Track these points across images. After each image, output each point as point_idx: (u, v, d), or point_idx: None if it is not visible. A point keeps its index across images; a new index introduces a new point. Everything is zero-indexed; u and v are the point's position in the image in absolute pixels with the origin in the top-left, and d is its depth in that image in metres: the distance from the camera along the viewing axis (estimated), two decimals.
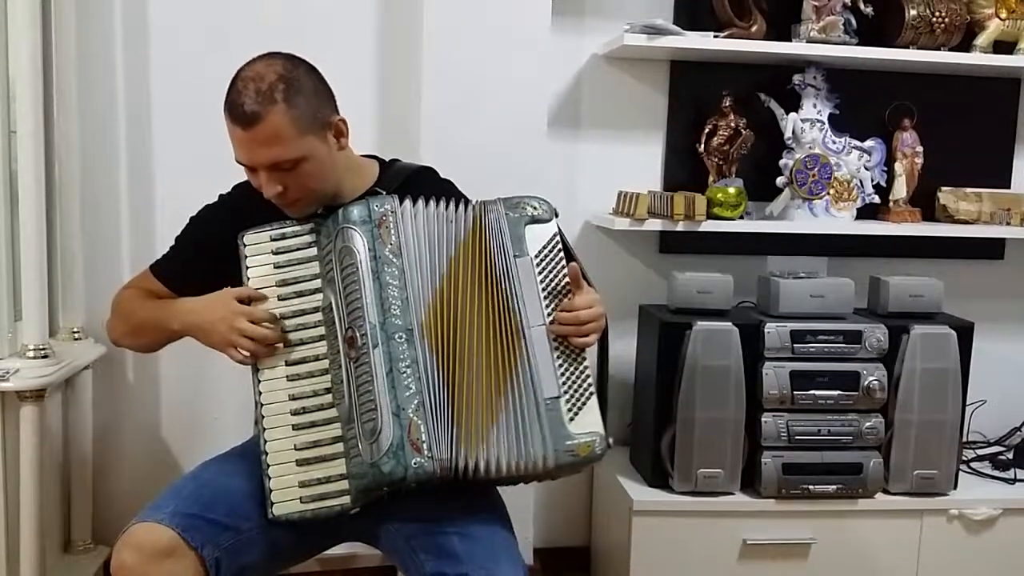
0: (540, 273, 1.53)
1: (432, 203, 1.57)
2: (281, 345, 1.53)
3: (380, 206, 1.53)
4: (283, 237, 1.57)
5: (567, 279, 1.54)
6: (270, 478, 1.49)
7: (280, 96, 1.47)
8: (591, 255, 2.44)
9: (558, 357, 1.50)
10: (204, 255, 1.67)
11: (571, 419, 1.47)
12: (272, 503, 1.48)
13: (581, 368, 1.51)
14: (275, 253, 1.57)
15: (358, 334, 1.46)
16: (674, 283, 2.30)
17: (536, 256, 1.54)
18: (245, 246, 1.57)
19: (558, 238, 1.57)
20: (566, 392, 1.48)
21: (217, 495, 1.49)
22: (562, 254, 1.57)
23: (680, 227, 2.33)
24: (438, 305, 1.51)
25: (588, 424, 1.47)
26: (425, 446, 1.42)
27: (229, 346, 1.53)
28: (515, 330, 1.50)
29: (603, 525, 2.54)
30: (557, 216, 1.60)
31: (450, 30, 2.21)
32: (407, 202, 1.55)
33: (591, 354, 1.56)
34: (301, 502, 1.48)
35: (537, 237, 1.55)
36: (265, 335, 1.51)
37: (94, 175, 2.28)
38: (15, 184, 1.95)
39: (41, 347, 1.95)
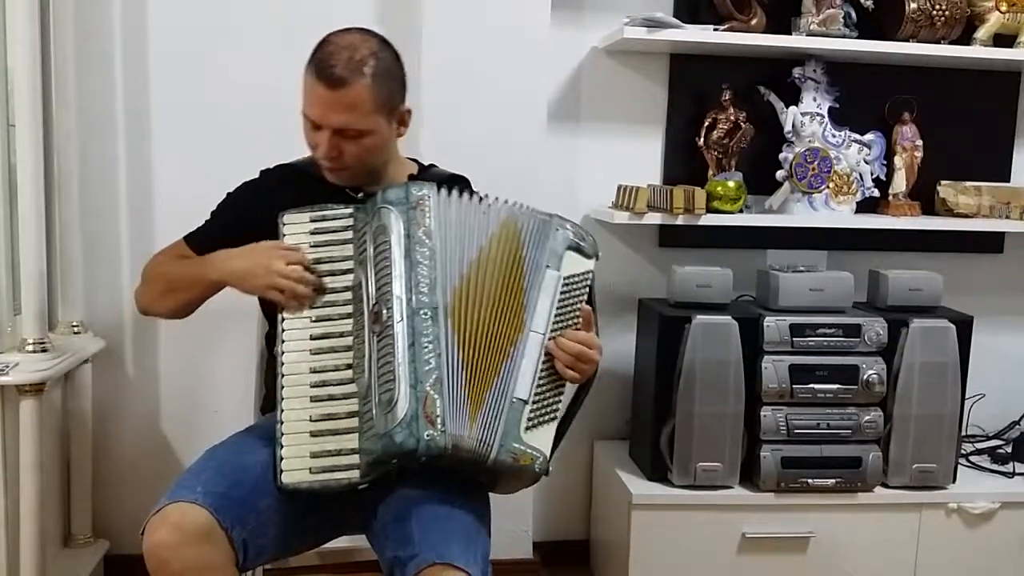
0: (561, 294, 1.57)
1: (467, 195, 1.61)
2: (310, 308, 1.55)
3: (418, 191, 1.57)
4: (323, 219, 1.61)
5: (579, 315, 1.58)
6: (282, 446, 1.49)
7: (369, 71, 1.55)
8: None
9: (542, 370, 1.53)
10: (240, 229, 1.69)
11: (526, 428, 1.50)
12: (282, 470, 1.48)
13: (556, 392, 1.55)
14: (312, 234, 1.60)
15: (384, 308, 1.48)
16: (673, 277, 2.30)
17: (566, 278, 1.58)
18: (284, 224, 1.60)
19: (591, 277, 1.61)
20: (534, 403, 1.51)
21: (236, 472, 1.48)
22: (587, 292, 1.61)
23: (679, 221, 2.33)
24: (463, 290, 1.53)
25: (538, 441, 1.50)
26: (439, 420, 1.43)
27: (269, 287, 1.54)
28: (517, 326, 1.53)
29: (602, 519, 2.54)
30: (598, 259, 1.64)
31: (450, 23, 2.21)
32: (443, 190, 1.59)
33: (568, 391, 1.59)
34: (311, 472, 1.48)
35: (574, 264, 1.59)
36: (302, 274, 1.54)
37: (93, 168, 2.28)
38: (14, 178, 1.95)
39: (40, 341, 1.95)
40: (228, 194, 1.78)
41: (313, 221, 1.60)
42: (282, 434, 1.50)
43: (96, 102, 2.28)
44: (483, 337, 1.52)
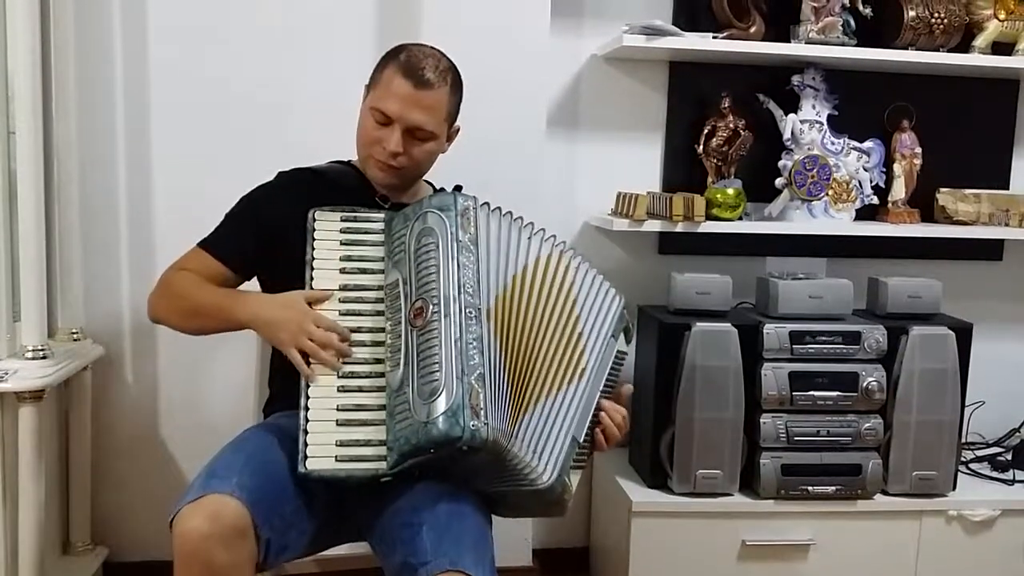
0: (614, 363, 1.69)
1: (510, 212, 1.66)
2: (340, 363, 1.53)
3: (465, 199, 1.60)
4: (354, 220, 1.63)
5: (616, 389, 1.72)
6: (307, 433, 1.47)
7: (450, 80, 1.71)
8: (590, 256, 2.42)
9: (589, 424, 1.61)
10: (258, 232, 1.72)
11: (571, 469, 1.57)
12: (306, 456, 1.46)
13: (587, 444, 1.64)
14: (343, 232, 1.62)
15: (430, 305, 1.49)
16: (673, 284, 2.30)
17: (619, 352, 1.71)
18: (315, 221, 1.61)
19: (626, 358, 1.76)
20: (580, 448, 1.59)
21: (265, 468, 1.47)
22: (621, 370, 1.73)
23: (679, 228, 2.33)
24: (506, 298, 1.57)
25: (575, 482, 1.60)
26: (483, 413, 1.43)
27: (294, 345, 1.53)
28: (575, 367, 1.61)
29: (602, 526, 2.54)
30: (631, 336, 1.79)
31: (449, 30, 2.21)
32: (486, 204, 1.63)
33: None
34: (336, 460, 1.46)
35: (620, 343, 1.72)
36: (330, 340, 1.52)
37: (93, 175, 2.28)
38: (14, 184, 1.95)
39: (40, 348, 1.95)
40: (244, 196, 1.78)
41: (344, 221, 1.62)
42: (307, 420, 1.48)
43: (96, 109, 2.28)
44: (530, 353, 1.57)
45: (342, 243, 1.61)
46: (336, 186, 1.76)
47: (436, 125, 1.70)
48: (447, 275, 1.51)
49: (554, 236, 1.69)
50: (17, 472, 1.91)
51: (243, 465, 1.44)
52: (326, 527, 1.61)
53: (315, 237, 1.60)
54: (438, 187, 1.88)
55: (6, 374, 1.87)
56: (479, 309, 1.51)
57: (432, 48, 1.73)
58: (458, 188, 1.79)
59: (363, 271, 1.59)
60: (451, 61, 1.74)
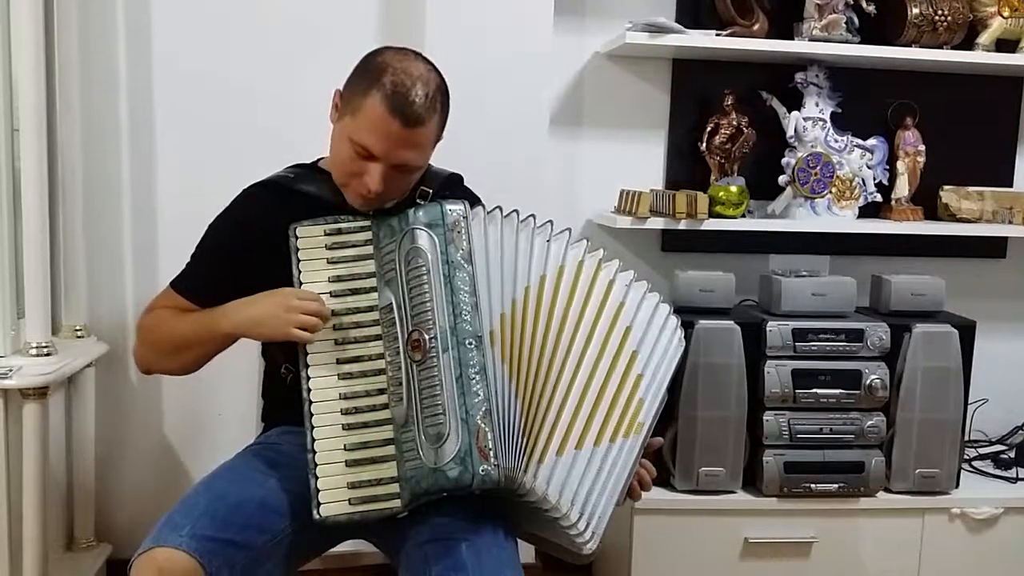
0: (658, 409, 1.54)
1: (514, 215, 1.53)
2: (334, 330, 1.47)
3: (453, 210, 1.47)
4: (338, 232, 1.51)
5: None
6: (317, 478, 1.43)
7: (439, 106, 1.49)
8: None
9: (630, 468, 1.51)
10: (227, 263, 1.61)
11: (599, 521, 1.47)
12: (319, 503, 1.42)
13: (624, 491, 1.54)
14: (329, 248, 1.50)
15: (426, 337, 1.41)
16: (676, 281, 2.30)
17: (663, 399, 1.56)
18: (297, 239, 1.50)
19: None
20: (621, 491, 1.51)
21: (232, 509, 1.44)
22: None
23: (682, 225, 2.33)
24: (513, 316, 1.47)
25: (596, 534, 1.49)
26: (492, 453, 1.38)
27: (290, 326, 1.45)
28: (629, 416, 1.48)
29: None
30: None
31: (452, 28, 2.21)
32: (480, 209, 1.52)
33: None
34: (350, 504, 1.42)
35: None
36: (321, 308, 1.46)
37: (96, 172, 2.28)
38: (18, 182, 1.95)
39: (44, 345, 1.95)
40: (209, 227, 1.66)
41: (328, 235, 1.50)
42: (316, 464, 1.43)
43: (100, 107, 2.28)
44: (571, 382, 1.46)
45: (329, 261, 1.50)
46: (308, 196, 1.60)
47: (422, 158, 1.51)
48: (440, 303, 1.41)
49: (586, 240, 1.54)
50: (21, 469, 1.92)
51: (203, 510, 1.42)
52: (324, 541, 1.59)
53: (300, 257, 1.49)
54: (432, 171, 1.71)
55: (10, 371, 1.87)
56: (478, 337, 1.41)
57: (418, 63, 1.50)
58: (456, 179, 1.71)
59: (355, 291, 1.48)
60: (438, 74, 1.51)
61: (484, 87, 2.23)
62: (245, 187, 1.67)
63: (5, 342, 1.97)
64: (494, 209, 1.53)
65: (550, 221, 1.56)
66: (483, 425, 1.38)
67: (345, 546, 1.74)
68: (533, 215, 1.55)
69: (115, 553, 2.34)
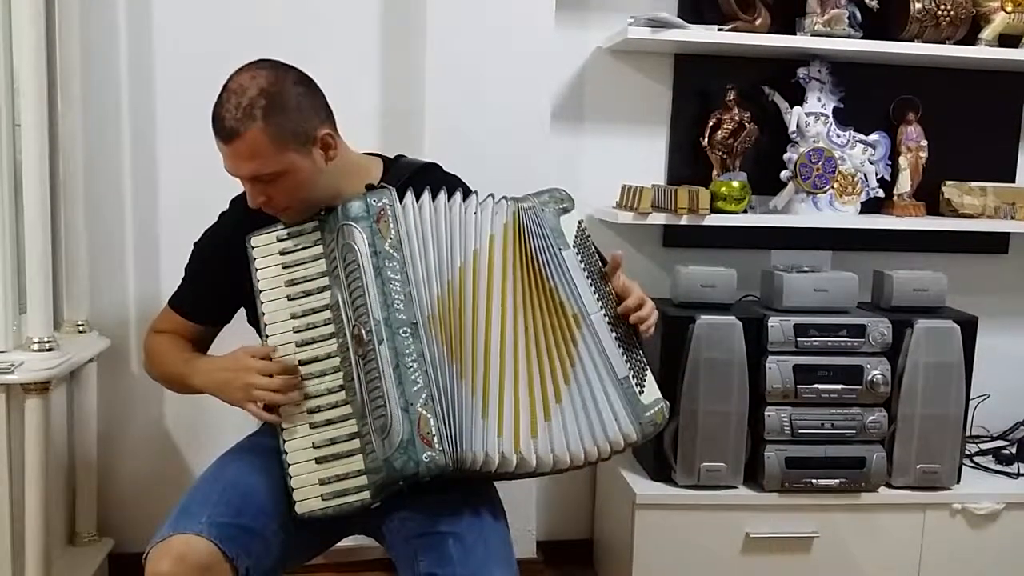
0: (581, 262, 1.58)
1: (443, 196, 1.56)
2: (300, 396, 1.51)
3: (378, 200, 1.51)
4: (288, 237, 1.56)
5: (597, 260, 1.62)
6: (291, 477, 1.49)
7: (260, 113, 1.45)
8: None
9: (616, 339, 1.56)
10: (215, 279, 1.68)
11: (640, 392, 1.55)
12: (295, 500, 1.49)
13: (634, 349, 1.59)
14: (282, 253, 1.56)
15: (364, 331, 1.46)
16: (678, 277, 2.30)
17: (574, 246, 1.59)
18: (253, 248, 1.56)
19: (583, 223, 1.64)
20: (631, 370, 1.56)
21: (244, 497, 1.49)
22: (590, 237, 1.64)
23: (684, 221, 2.32)
24: (450, 297, 1.50)
25: (653, 393, 1.58)
26: (436, 439, 1.42)
27: (245, 401, 1.53)
28: (572, 319, 1.54)
29: (606, 518, 2.54)
30: (574, 203, 1.65)
31: (454, 24, 2.21)
32: (407, 195, 1.54)
33: None
34: (323, 499, 1.48)
35: (570, 227, 1.60)
36: (277, 385, 1.50)
37: (98, 167, 2.29)
38: (19, 177, 1.95)
39: (46, 340, 1.95)
40: (195, 244, 1.73)
41: (280, 241, 1.56)
42: (288, 464, 1.50)
43: (101, 102, 2.28)
44: (514, 346, 1.51)
45: (283, 266, 1.56)
46: None
47: (272, 165, 1.48)
48: (372, 295, 1.46)
49: (511, 199, 1.59)
50: (23, 463, 1.92)
51: (218, 498, 1.46)
52: (326, 535, 1.62)
53: (256, 266, 1.56)
54: (392, 155, 1.75)
55: (12, 366, 1.87)
56: (414, 324, 1.46)
57: (243, 75, 1.49)
58: (429, 167, 1.73)
59: (307, 293, 1.54)
60: (267, 78, 1.48)
61: (486, 82, 2.23)
62: (231, 198, 1.72)
63: (7, 337, 1.97)
64: (423, 195, 1.55)
65: (475, 192, 1.60)
66: (424, 412, 1.43)
67: (348, 541, 1.75)
68: (467, 190, 1.59)
69: (117, 547, 2.35)
